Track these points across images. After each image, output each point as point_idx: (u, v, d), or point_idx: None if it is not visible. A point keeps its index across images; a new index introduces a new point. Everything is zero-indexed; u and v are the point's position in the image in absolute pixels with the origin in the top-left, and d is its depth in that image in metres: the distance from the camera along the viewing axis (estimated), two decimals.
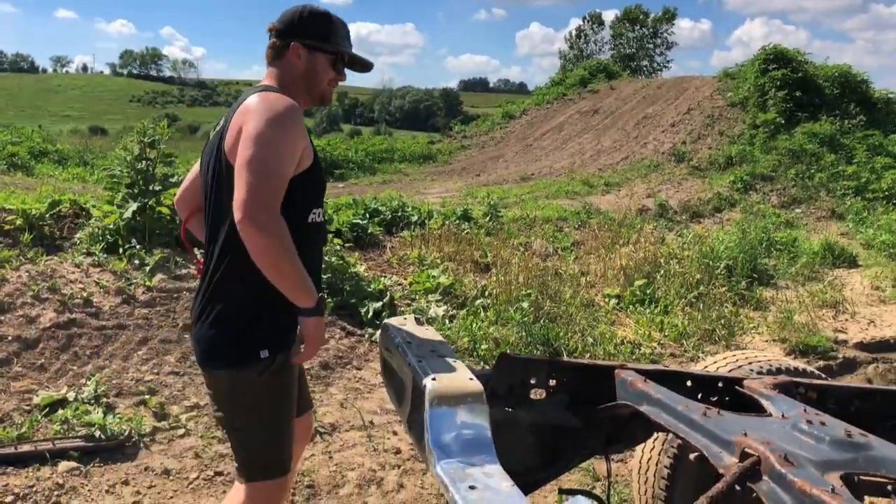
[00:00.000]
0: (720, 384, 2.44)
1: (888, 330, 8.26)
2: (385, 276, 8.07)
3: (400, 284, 8.13)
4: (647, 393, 2.10)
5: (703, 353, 6.91)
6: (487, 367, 2.70)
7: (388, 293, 7.21)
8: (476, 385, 1.98)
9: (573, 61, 54.93)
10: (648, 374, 2.29)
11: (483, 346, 6.21)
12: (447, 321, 6.97)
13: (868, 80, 23.64)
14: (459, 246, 9.87)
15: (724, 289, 8.98)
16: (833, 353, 7.28)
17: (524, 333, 6.53)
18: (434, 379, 1.98)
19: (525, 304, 7.29)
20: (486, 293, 7.86)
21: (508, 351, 2.22)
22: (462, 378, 2.01)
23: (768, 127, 21.07)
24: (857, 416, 2.56)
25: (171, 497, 3.80)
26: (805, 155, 18.86)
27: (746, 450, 1.70)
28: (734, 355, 3.09)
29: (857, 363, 7.18)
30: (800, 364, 3.08)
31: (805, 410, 2.07)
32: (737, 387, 2.38)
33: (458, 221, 11.47)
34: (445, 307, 7.38)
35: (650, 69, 65.03)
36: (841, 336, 7.93)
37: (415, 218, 11.30)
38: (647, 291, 8.59)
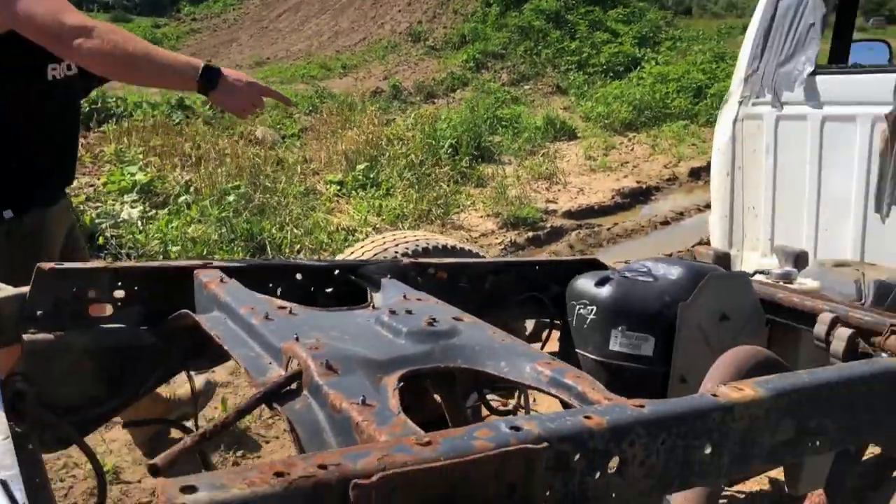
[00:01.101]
0: (337, 273, 2.14)
1: (594, 197, 8.74)
2: None
3: (92, 185, 7.20)
4: (217, 296, 1.73)
5: None
6: None
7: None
8: None
9: None
10: (238, 272, 1.93)
11: (175, 249, 5.61)
12: (143, 223, 6.25)
13: None
14: (169, 139, 8.96)
15: (447, 168, 8.97)
16: (542, 223, 7.54)
17: (226, 230, 6.00)
18: None
19: (232, 198, 6.72)
20: (191, 189, 7.17)
21: (47, 265, 1.71)
22: None
23: (500, 4, 21.36)
24: (492, 292, 2.41)
25: None
26: (533, 32, 19.39)
27: (292, 358, 1.38)
28: (383, 237, 2.84)
29: (563, 231, 7.50)
30: (451, 241, 2.90)
31: (405, 297, 1.81)
32: (351, 275, 2.10)
33: (170, 112, 10.43)
34: (142, 207, 6.62)
35: None
36: (552, 206, 8.25)
37: (119, 110, 10.10)
38: (370, 175, 8.35)
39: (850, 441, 1.56)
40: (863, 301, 2.72)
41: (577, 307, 2.33)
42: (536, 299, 2.49)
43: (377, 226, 6.92)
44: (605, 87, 16.40)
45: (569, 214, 8.01)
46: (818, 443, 1.50)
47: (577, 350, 2.33)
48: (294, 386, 1.35)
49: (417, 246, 2.70)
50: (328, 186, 8.17)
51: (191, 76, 2.06)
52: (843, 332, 1.93)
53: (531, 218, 7.46)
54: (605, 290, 2.28)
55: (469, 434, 1.13)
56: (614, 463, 1.24)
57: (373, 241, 2.80)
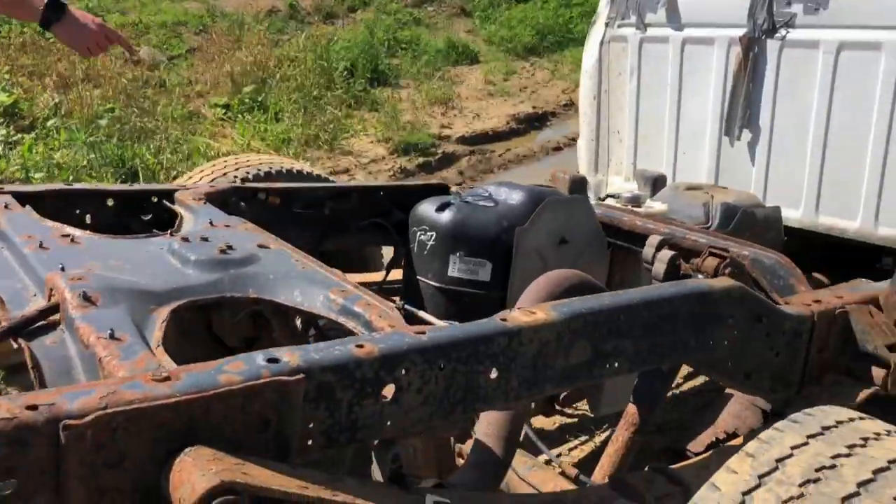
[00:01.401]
0: (155, 199, 2.02)
1: (489, 122, 8.67)
2: None
3: None
4: None
5: (303, 159, 6.64)
6: None
7: None
8: None
9: None
10: (37, 198, 1.79)
11: (38, 175, 5.27)
12: (4, 147, 5.84)
13: None
14: (40, 58, 8.36)
15: (340, 91, 8.72)
16: (433, 148, 7.43)
17: (95, 155, 5.67)
18: None
19: (104, 121, 6.35)
20: (62, 112, 6.74)
21: None
22: None
23: None
24: (332, 218, 2.33)
25: None
26: None
27: (53, 290, 1.27)
28: (224, 160, 2.70)
29: (455, 157, 7.43)
30: (299, 165, 2.79)
31: (211, 223, 1.71)
32: (165, 201, 1.98)
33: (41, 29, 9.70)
34: (5, 131, 6.19)
35: None
36: (446, 132, 8.14)
37: None
38: (258, 99, 8.03)
39: (653, 362, 1.57)
40: (709, 224, 2.77)
41: (418, 233, 2.28)
42: (380, 225, 2.43)
43: (261, 151, 6.67)
44: (509, 10, 16.14)
45: (462, 140, 7.92)
46: (616, 364, 1.50)
47: (418, 277, 2.29)
48: (56, 318, 1.25)
49: (260, 170, 2.58)
50: (213, 110, 7.83)
51: (35, 7, 2.08)
52: (664, 255, 1.94)
53: (423, 143, 7.35)
54: (445, 216, 2.24)
55: (218, 368, 1.06)
56: (389, 391, 1.20)
57: (213, 165, 2.66)
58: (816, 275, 3.09)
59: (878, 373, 1.92)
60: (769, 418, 2.09)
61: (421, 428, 1.26)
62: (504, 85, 10.62)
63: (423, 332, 1.24)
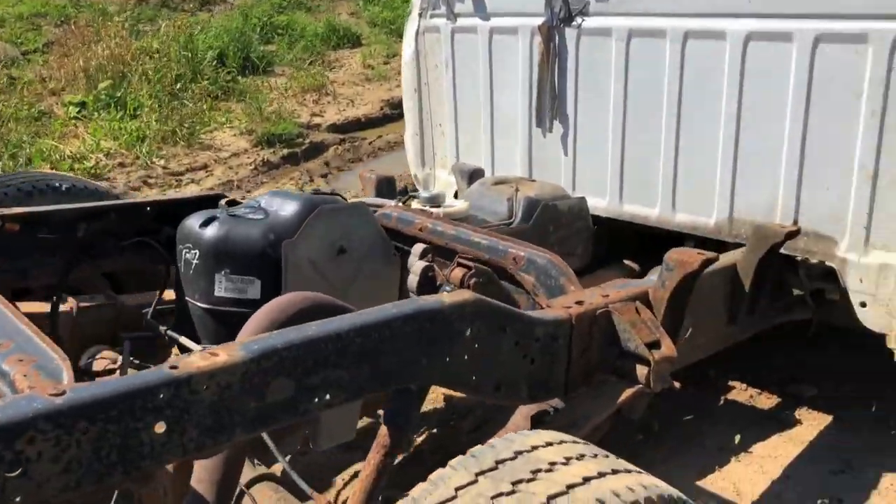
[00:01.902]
0: None
1: (363, 108, 8.52)
2: None
3: None
4: None
5: (158, 157, 6.35)
6: None
7: None
8: None
9: None
10: None
11: None
12: None
13: None
14: None
15: (206, 82, 8.40)
16: (300, 139, 7.23)
17: None
18: None
19: None
20: None
21: None
22: None
23: None
24: (88, 241, 2.17)
25: None
26: None
27: None
28: None
29: (324, 146, 7.24)
30: (74, 179, 2.60)
31: None
32: None
33: None
34: None
35: None
36: (317, 120, 7.96)
37: None
38: (117, 95, 7.65)
39: (376, 388, 1.50)
40: (512, 219, 2.73)
41: (184, 251, 2.15)
42: (148, 243, 2.29)
43: (111, 151, 6.36)
44: None
45: (333, 128, 7.75)
46: (328, 396, 1.42)
47: (186, 298, 2.16)
48: None
49: (21, 189, 2.39)
50: (66, 108, 7.42)
51: None
52: (417, 266, 1.88)
53: (288, 134, 7.14)
54: (208, 232, 2.11)
55: None
56: (14, 464, 1.08)
57: None
58: (628, 262, 3.11)
59: (641, 370, 1.91)
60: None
61: (68, 496, 1.14)
62: (383, 69, 10.46)
63: (61, 394, 1.12)
